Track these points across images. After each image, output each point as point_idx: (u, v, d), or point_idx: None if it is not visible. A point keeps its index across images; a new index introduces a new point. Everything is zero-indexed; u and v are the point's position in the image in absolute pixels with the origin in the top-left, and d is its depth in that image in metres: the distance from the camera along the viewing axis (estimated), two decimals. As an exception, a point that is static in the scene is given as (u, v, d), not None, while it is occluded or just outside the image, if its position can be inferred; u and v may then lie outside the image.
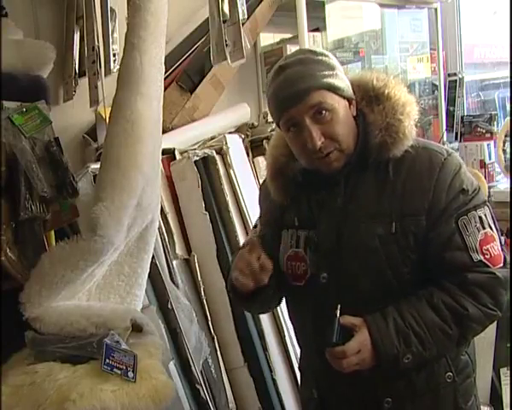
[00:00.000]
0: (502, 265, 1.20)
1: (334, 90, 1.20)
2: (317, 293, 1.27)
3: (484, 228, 1.20)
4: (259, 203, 1.49)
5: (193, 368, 1.82)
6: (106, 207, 1.34)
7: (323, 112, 1.18)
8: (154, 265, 1.77)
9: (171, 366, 1.74)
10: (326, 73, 1.20)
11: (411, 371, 1.22)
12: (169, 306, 1.83)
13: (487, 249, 1.19)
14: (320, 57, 1.23)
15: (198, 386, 1.82)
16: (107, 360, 1.27)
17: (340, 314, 1.17)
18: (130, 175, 1.39)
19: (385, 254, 1.20)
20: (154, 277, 1.82)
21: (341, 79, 1.23)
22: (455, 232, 1.19)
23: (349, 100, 1.24)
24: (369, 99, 1.26)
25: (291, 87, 1.18)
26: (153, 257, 1.71)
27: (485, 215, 1.22)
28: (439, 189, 1.20)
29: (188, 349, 1.82)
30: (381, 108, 1.24)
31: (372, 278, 1.22)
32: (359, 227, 1.22)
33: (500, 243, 1.22)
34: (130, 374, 1.28)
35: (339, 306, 1.17)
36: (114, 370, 1.27)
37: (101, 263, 1.42)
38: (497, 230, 1.23)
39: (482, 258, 1.18)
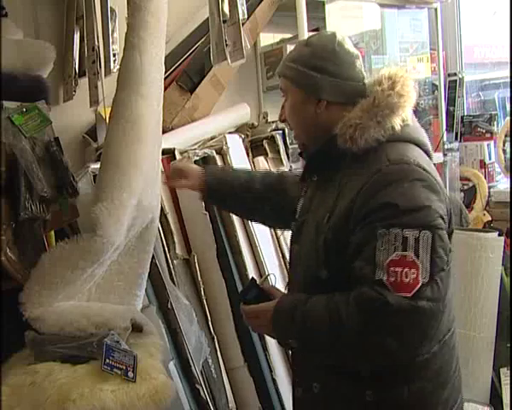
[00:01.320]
0: (409, 295, 1.08)
1: (292, 82, 1.33)
2: (291, 260, 1.43)
3: (405, 250, 1.10)
4: None
5: (193, 368, 1.82)
6: (105, 207, 1.34)
7: (284, 95, 1.38)
8: (154, 265, 1.77)
9: (171, 366, 1.74)
10: (291, 65, 1.33)
11: (337, 370, 1.26)
12: (169, 306, 1.82)
13: (395, 272, 1.10)
14: (304, 48, 1.33)
15: (198, 386, 1.82)
16: (107, 360, 1.27)
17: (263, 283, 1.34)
18: (129, 174, 1.39)
19: (316, 243, 1.25)
20: (154, 276, 1.82)
21: (303, 74, 1.30)
22: (369, 243, 1.14)
23: (315, 97, 1.30)
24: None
25: None
26: (153, 257, 1.71)
27: (417, 239, 1.11)
28: (365, 194, 1.17)
29: (188, 349, 1.82)
30: (361, 104, 1.26)
31: (308, 262, 1.29)
32: (314, 211, 1.32)
33: (430, 276, 1.10)
34: (130, 374, 1.28)
35: (267, 274, 1.35)
36: (114, 370, 1.27)
37: (101, 263, 1.42)
38: (432, 262, 1.11)
39: (385, 278, 1.10)
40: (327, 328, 1.16)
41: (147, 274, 1.64)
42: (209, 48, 1.77)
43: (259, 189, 1.62)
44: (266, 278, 1.35)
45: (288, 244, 1.51)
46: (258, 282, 1.37)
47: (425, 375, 1.23)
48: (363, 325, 1.12)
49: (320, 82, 1.28)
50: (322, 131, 1.31)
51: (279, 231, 2.23)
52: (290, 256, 1.44)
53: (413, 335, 1.12)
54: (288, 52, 2.51)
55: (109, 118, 1.46)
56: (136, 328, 1.44)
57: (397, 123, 1.23)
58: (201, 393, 1.82)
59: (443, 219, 1.16)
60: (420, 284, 1.09)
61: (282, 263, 2.18)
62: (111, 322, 1.38)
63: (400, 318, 1.10)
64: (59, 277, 1.35)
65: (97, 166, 1.55)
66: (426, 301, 1.09)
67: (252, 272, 2.05)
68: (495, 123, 3.14)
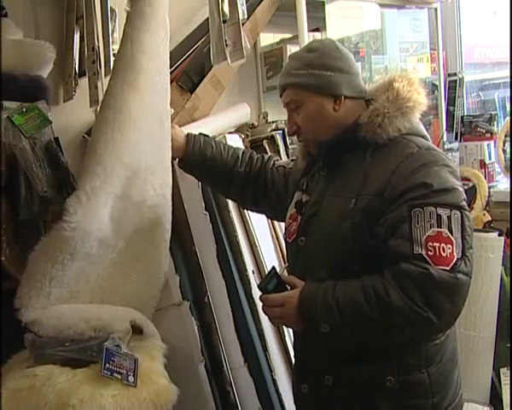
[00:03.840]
0: (447, 268, 1.15)
1: (303, 88, 1.35)
2: (295, 253, 1.41)
3: (439, 227, 1.17)
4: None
5: (224, 368, 1.80)
6: (76, 195, 1.32)
7: (294, 106, 1.38)
8: (193, 253, 1.77)
9: (201, 368, 1.71)
10: (300, 72, 1.35)
11: (355, 360, 1.28)
12: (206, 299, 1.81)
13: (433, 247, 1.16)
14: (307, 54, 1.37)
15: (228, 387, 1.80)
16: (107, 365, 1.26)
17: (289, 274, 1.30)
18: (105, 162, 1.36)
19: (340, 228, 1.27)
20: (193, 267, 1.80)
21: (318, 76, 1.34)
22: (404, 221, 1.19)
23: (333, 95, 1.35)
24: (384, 90, 1.36)
25: (279, 80, 1.42)
26: (193, 244, 1.72)
27: (449, 217, 1.18)
28: (399, 175, 1.23)
29: (221, 347, 1.79)
30: (385, 96, 1.32)
31: (328, 251, 1.31)
32: (330, 201, 1.34)
33: (462, 251, 1.17)
34: (131, 379, 1.27)
35: (285, 265, 1.34)
36: (114, 374, 1.26)
37: (87, 257, 1.39)
38: (463, 238, 1.18)
39: (423, 252, 1.16)
40: (364, 307, 1.18)
41: (160, 283, 1.61)
42: (209, 48, 1.76)
43: (241, 173, 1.65)
44: (285, 268, 1.33)
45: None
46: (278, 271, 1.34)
47: (442, 357, 1.29)
48: (403, 300, 1.15)
49: (335, 79, 1.34)
50: (340, 127, 1.36)
51: (279, 231, 2.23)
52: (291, 249, 1.44)
53: (451, 307, 1.17)
54: (288, 52, 2.51)
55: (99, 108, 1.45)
56: (137, 330, 1.43)
57: (417, 116, 1.34)
58: (231, 395, 1.80)
59: (465, 202, 1.25)
60: (455, 259, 1.16)
61: (282, 263, 2.18)
62: (110, 325, 1.37)
63: (442, 289, 1.15)
64: (41, 272, 1.33)
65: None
66: (462, 275, 1.16)
67: (252, 272, 2.05)
68: (495, 123, 3.14)
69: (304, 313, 1.24)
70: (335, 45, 1.39)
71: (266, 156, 1.72)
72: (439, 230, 1.17)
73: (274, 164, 1.68)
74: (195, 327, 1.75)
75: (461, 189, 1.25)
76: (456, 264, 1.16)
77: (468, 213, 1.22)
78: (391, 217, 1.21)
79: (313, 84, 1.34)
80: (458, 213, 1.19)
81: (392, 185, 1.22)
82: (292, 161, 1.72)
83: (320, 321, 1.22)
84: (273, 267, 1.32)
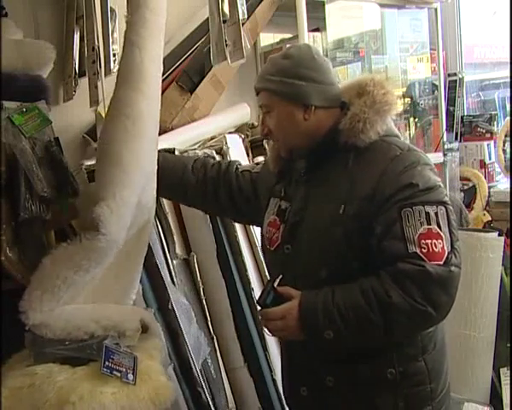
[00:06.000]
0: (441, 263, 1.19)
1: (275, 94, 1.37)
2: (281, 261, 1.40)
3: (429, 224, 1.21)
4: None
5: (194, 370, 1.80)
6: (107, 205, 1.31)
7: (266, 110, 1.40)
8: (154, 264, 1.76)
9: (170, 370, 1.71)
10: (273, 78, 1.37)
11: (355, 358, 1.30)
12: (169, 306, 1.81)
13: (426, 244, 1.20)
14: (283, 61, 1.39)
15: (199, 389, 1.80)
16: (107, 363, 1.26)
17: (281, 284, 1.30)
18: (131, 172, 1.36)
19: (332, 235, 1.28)
20: (155, 277, 1.81)
21: (289, 84, 1.34)
22: (396, 222, 1.22)
23: (303, 105, 1.35)
24: (356, 94, 1.37)
25: (255, 82, 1.45)
26: (153, 256, 1.71)
27: (436, 214, 1.22)
28: (387, 178, 1.26)
29: (189, 351, 1.81)
30: (362, 102, 1.33)
31: (320, 257, 1.32)
32: (317, 207, 1.34)
33: (451, 245, 1.22)
34: (130, 376, 1.27)
35: (280, 276, 1.32)
36: (114, 372, 1.26)
37: (107, 263, 1.40)
38: (450, 232, 1.23)
39: (418, 250, 1.19)
40: (366, 310, 1.20)
41: (139, 277, 1.61)
42: (209, 48, 1.77)
43: (193, 180, 1.62)
44: (281, 279, 1.32)
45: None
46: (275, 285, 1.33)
47: (435, 345, 1.35)
48: (403, 298, 1.18)
49: (307, 89, 1.34)
50: (311, 136, 1.37)
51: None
52: (275, 257, 1.43)
53: (447, 298, 1.21)
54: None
55: (106, 115, 1.44)
56: (144, 328, 1.43)
57: (392, 118, 1.38)
58: (203, 396, 1.80)
59: (447, 197, 1.29)
60: (447, 253, 1.21)
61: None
62: (121, 324, 1.36)
63: (438, 283, 1.19)
64: (61, 279, 1.31)
65: (91, 162, 1.53)
66: (454, 267, 1.21)
67: (252, 272, 2.05)
68: (495, 123, 3.15)
69: (306, 323, 1.25)
70: (312, 54, 1.38)
71: (225, 162, 1.69)
72: (429, 227, 1.21)
73: (237, 169, 1.65)
74: (161, 333, 1.74)
75: (441, 185, 1.30)
76: (447, 258, 1.20)
77: (451, 207, 1.27)
78: (382, 219, 1.24)
79: (284, 92, 1.35)
80: (443, 208, 1.24)
81: (381, 188, 1.25)
82: (257, 164, 1.71)
83: (323, 329, 1.23)
84: (269, 281, 1.32)
